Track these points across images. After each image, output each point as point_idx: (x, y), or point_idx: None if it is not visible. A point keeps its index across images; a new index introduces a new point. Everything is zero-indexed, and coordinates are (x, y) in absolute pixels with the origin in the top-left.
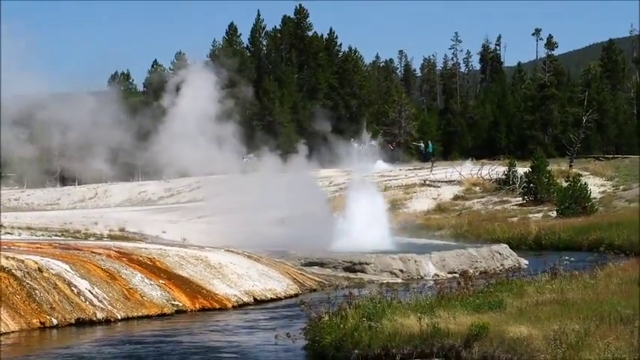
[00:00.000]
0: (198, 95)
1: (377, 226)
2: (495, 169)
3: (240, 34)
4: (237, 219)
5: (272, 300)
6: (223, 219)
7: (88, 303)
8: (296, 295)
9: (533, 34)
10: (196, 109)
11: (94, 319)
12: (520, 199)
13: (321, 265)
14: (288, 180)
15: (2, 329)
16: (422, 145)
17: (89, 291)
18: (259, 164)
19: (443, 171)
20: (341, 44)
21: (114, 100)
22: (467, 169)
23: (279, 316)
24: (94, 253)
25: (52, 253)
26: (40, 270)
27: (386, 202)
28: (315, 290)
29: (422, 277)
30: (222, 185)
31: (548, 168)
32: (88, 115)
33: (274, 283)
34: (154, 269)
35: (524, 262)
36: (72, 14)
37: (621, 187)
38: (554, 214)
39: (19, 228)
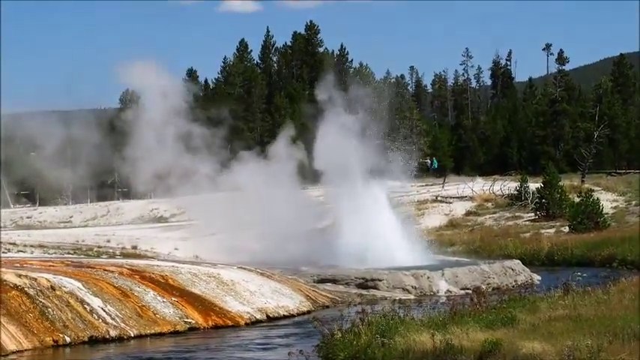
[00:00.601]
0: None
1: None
2: (507, 185)
3: (251, 51)
4: (249, 235)
5: (285, 317)
6: (235, 236)
7: (100, 321)
8: (309, 312)
9: (543, 50)
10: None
11: (107, 336)
12: (532, 214)
13: (334, 281)
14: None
15: (15, 347)
16: (428, 161)
17: (102, 309)
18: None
19: (455, 187)
20: (352, 60)
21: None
22: (479, 185)
23: (292, 334)
24: (106, 270)
25: (64, 271)
26: (52, 288)
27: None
28: (327, 307)
29: (434, 294)
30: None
31: (560, 183)
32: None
33: (287, 300)
34: (166, 286)
35: (536, 277)
36: (80, 32)
37: (634, 203)
38: (566, 229)
39: (31, 246)
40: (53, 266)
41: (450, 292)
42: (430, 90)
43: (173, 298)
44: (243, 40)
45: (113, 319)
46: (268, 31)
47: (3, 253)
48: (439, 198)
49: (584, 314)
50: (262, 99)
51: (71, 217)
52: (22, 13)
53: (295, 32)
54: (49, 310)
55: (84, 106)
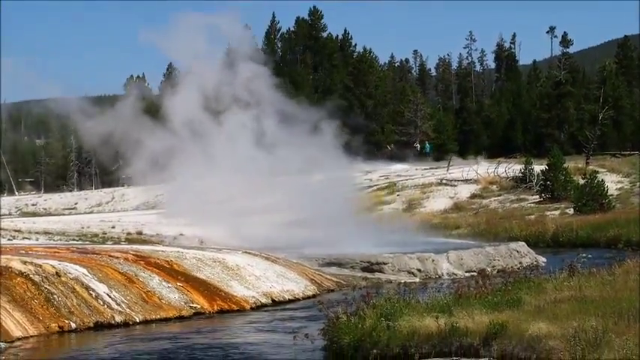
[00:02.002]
0: None
1: None
2: (512, 168)
3: (255, 36)
4: (253, 220)
5: (290, 301)
6: (241, 221)
7: (106, 306)
8: (314, 296)
9: (547, 32)
10: None
11: (113, 322)
12: (537, 196)
13: (339, 265)
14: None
15: (21, 334)
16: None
17: (107, 294)
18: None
19: (459, 170)
20: (355, 45)
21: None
22: (483, 168)
23: (297, 317)
24: (111, 256)
25: (69, 258)
26: (57, 274)
27: (404, 202)
28: (333, 291)
29: (440, 276)
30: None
31: (565, 165)
32: None
33: (292, 284)
34: (171, 272)
35: (541, 259)
36: (84, 19)
37: (638, 184)
38: (571, 211)
39: (36, 233)
40: (58, 253)
41: (455, 274)
42: (434, 74)
43: (178, 284)
44: (246, 25)
45: (119, 304)
46: (274, 17)
47: (8, 240)
48: (444, 181)
49: (590, 295)
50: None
51: (76, 203)
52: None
53: (299, 17)
54: (55, 296)
55: None
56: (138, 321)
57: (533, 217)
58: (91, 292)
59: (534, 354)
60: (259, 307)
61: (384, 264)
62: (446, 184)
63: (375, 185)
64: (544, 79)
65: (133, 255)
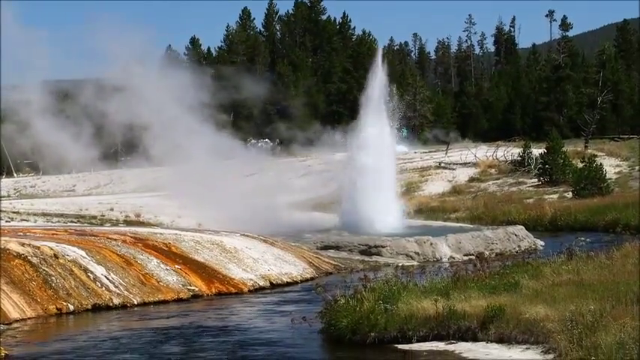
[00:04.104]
0: None
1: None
2: (510, 151)
3: (254, 19)
4: (251, 204)
5: (288, 284)
6: (236, 204)
7: (104, 289)
8: (312, 279)
9: (547, 16)
10: None
11: (111, 304)
12: (535, 180)
13: (337, 248)
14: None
15: (19, 316)
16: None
17: (105, 277)
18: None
19: (458, 153)
20: (355, 28)
21: None
22: (482, 152)
23: (295, 300)
24: (109, 238)
25: (67, 240)
26: (55, 256)
27: (402, 185)
28: (331, 274)
29: (438, 260)
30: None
31: (564, 149)
32: None
33: (290, 267)
34: (169, 254)
35: (540, 243)
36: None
37: (637, 168)
38: (569, 195)
39: (34, 214)
40: (56, 234)
41: (453, 258)
42: (433, 57)
43: (176, 266)
44: (245, 8)
45: (116, 287)
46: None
47: (6, 221)
48: (442, 164)
49: (588, 279)
50: (265, 67)
51: (74, 185)
52: None
53: (298, 0)
54: (53, 278)
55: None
56: (136, 303)
57: (531, 200)
58: (89, 274)
59: (532, 337)
60: (257, 290)
61: (382, 247)
62: (444, 168)
63: None
64: (543, 63)
65: (131, 237)
